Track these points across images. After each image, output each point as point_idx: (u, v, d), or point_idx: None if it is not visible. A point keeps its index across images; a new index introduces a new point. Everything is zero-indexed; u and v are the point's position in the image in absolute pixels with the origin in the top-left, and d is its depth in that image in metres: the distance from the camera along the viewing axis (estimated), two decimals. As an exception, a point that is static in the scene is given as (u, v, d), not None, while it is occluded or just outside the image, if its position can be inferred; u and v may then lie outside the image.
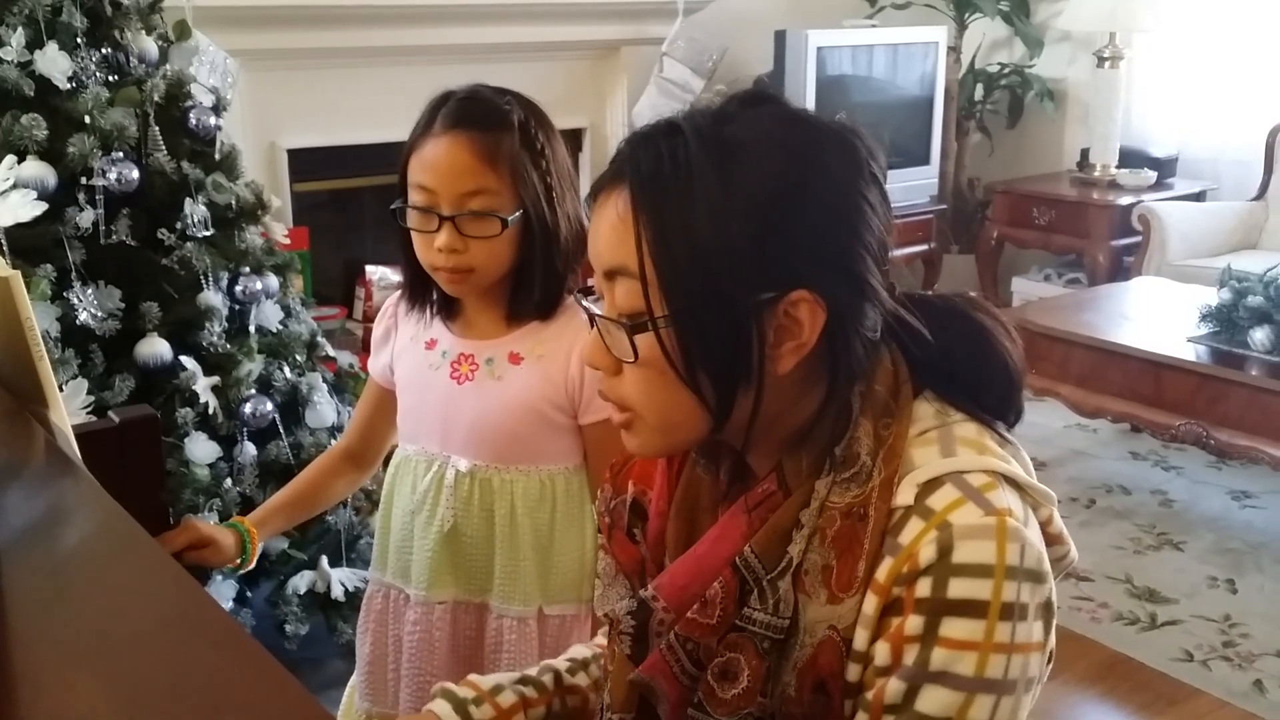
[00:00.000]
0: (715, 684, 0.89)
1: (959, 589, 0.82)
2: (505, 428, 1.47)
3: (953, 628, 0.82)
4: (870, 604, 0.85)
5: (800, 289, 0.85)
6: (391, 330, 1.58)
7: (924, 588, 0.83)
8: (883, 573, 0.85)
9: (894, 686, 0.84)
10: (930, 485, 0.86)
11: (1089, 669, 2.73)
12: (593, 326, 0.93)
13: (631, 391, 0.91)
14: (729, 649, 0.89)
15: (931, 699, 0.83)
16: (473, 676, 1.09)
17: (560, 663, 1.13)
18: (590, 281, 0.95)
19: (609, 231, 0.89)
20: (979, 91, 5.49)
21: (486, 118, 1.38)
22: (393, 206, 1.43)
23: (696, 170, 0.85)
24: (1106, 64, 4.98)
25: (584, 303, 0.96)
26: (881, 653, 0.85)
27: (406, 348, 1.55)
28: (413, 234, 1.42)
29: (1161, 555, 3.30)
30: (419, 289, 1.50)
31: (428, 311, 1.51)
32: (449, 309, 1.51)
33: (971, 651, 0.82)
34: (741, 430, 0.89)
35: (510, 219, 1.37)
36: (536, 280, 1.42)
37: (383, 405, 1.62)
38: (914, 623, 0.83)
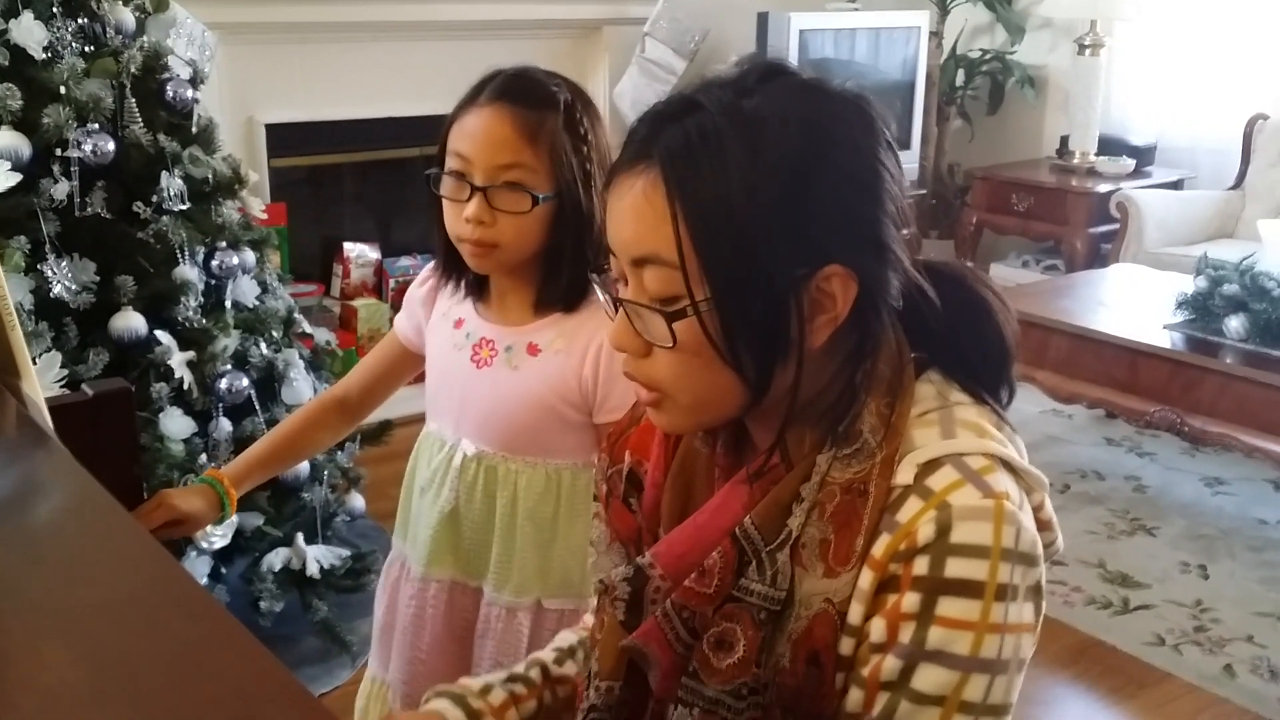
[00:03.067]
0: (711, 653, 0.89)
1: (956, 568, 0.83)
2: (516, 418, 1.46)
3: (949, 607, 0.83)
4: (866, 579, 0.86)
5: (833, 263, 0.85)
6: (430, 300, 1.56)
7: (921, 565, 0.84)
8: (879, 549, 0.85)
9: (890, 664, 0.84)
10: (930, 466, 0.86)
11: (1061, 652, 2.75)
12: (617, 310, 0.91)
13: (664, 374, 0.90)
14: (725, 619, 0.89)
15: (927, 677, 0.83)
16: (463, 680, 1.08)
17: (547, 654, 1.13)
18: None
19: (635, 218, 0.87)
20: (960, 77, 5.50)
21: (533, 94, 1.37)
22: (427, 172, 1.41)
23: (727, 146, 0.84)
24: (1087, 52, 4.99)
25: (605, 289, 0.93)
26: (877, 629, 0.85)
27: (438, 324, 1.54)
28: (444, 203, 1.41)
29: (1134, 540, 3.32)
30: (451, 263, 1.48)
31: (460, 289, 1.50)
32: (479, 289, 1.50)
33: (967, 631, 0.83)
34: (779, 404, 0.89)
35: (542, 197, 1.36)
36: (565, 267, 1.41)
37: (395, 362, 1.62)
38: (911, 600, 0.84)
